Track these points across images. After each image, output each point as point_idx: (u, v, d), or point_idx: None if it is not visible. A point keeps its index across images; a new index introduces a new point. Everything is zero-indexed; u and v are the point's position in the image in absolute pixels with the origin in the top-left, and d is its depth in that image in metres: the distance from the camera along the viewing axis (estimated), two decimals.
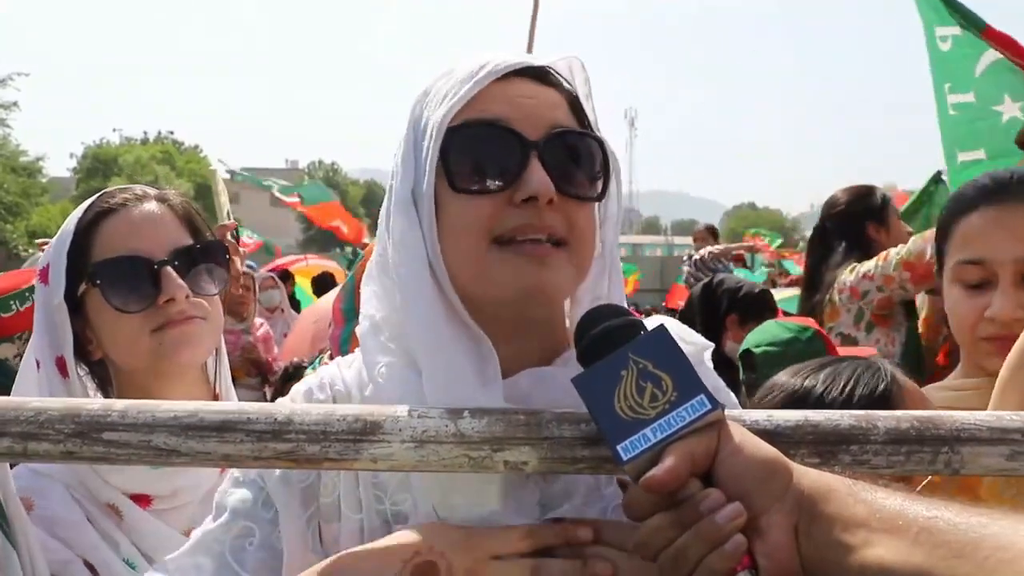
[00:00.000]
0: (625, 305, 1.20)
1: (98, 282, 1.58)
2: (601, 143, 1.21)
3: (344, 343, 2.87)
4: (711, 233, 10.24)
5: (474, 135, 1.15)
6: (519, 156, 1.13)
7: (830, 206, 4.06)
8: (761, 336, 2.90)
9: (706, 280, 4.62)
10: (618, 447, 0.94)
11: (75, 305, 1.61)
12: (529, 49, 3.55)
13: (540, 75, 1.21)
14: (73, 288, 1.60)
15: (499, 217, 1.13)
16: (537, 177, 1.12)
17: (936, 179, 5.55)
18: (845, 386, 1.69)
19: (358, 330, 1.27)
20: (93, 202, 1.68)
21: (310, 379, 1.33)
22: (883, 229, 3.93)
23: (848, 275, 3.70)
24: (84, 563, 1.50)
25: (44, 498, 1.51)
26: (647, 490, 0.92)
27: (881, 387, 1.65)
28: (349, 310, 2.89)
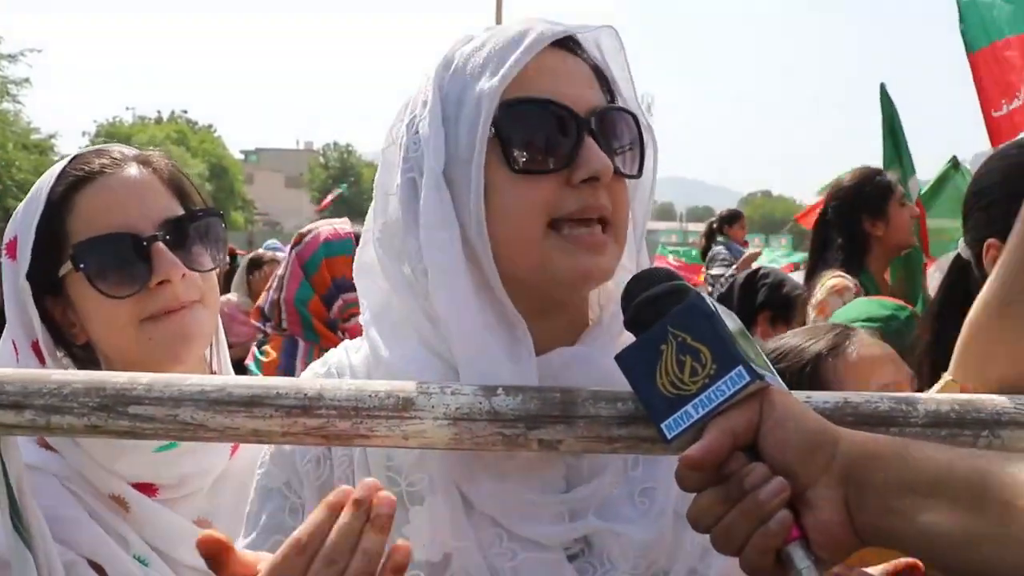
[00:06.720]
0: None
1: (82, 266, 1.40)
2: (636, 118, 1.19)
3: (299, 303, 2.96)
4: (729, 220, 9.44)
5: (529, 112, 1.10)
6: (574, 135, 1.10)
7: (834, 190, 3.66)
8: (855, 313, 2.63)
9: (751, 271, 4.44)
10: (662, 425, 0.93)
11: (54, 286, 1.44)
12: (498, 20, 3.47)
13: (568, 44, 1.17)
14: (48, 267, 1.43)
15: (558, 199, 1.10)
16: (597, 156, 1.09)
17: (954, 164, 5.50)
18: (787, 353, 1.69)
19: (361, 319, 1.24)
20: (65, 167, 1.46)
21: (315, 366, 1.29)
22: (880, 222, 3.49)
23: (820, 289, 3.33)
24: (89, 563, 1.35)
25: (37, 495, 1.25)
26: (687, 469, 0.91)
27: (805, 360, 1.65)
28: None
